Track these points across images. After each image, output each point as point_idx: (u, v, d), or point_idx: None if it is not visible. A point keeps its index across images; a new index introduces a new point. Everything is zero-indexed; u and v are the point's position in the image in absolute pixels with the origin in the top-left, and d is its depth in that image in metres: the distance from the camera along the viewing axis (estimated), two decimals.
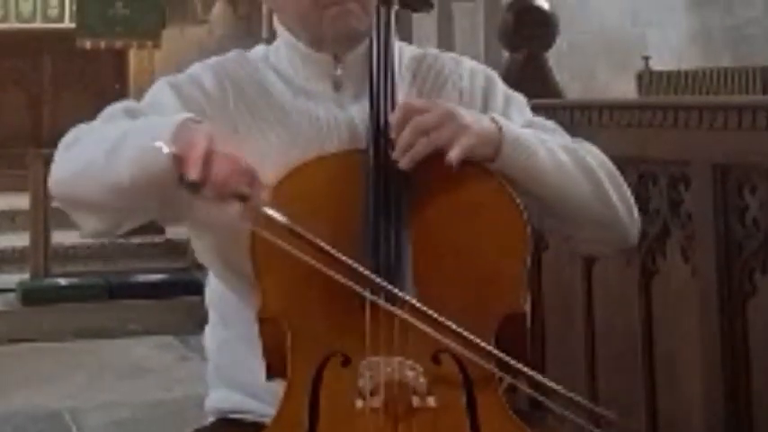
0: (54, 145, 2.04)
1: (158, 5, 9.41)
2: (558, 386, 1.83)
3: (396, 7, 2.14)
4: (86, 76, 10.17)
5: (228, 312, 2.12)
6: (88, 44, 9.08)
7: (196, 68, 2.15)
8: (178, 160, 1.75)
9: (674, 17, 9.63)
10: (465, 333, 1.80)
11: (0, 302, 7.33)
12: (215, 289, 2.16)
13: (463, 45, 9.32)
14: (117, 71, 10.09)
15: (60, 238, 7.60)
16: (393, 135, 1.94)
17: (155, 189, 1.83)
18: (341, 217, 1.90)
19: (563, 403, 1.84)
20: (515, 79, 4.29)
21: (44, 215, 7.42)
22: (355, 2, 2.05)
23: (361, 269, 1.81)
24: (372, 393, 1.77)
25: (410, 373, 1.79)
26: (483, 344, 1.81)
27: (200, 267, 2.19)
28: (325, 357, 1.83)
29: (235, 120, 2.06)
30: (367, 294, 1.81)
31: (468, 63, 2.22)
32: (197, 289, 6.98)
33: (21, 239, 7.79)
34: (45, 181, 7.18)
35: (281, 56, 2.16)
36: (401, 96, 2.04)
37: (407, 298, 1.81)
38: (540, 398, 1.83)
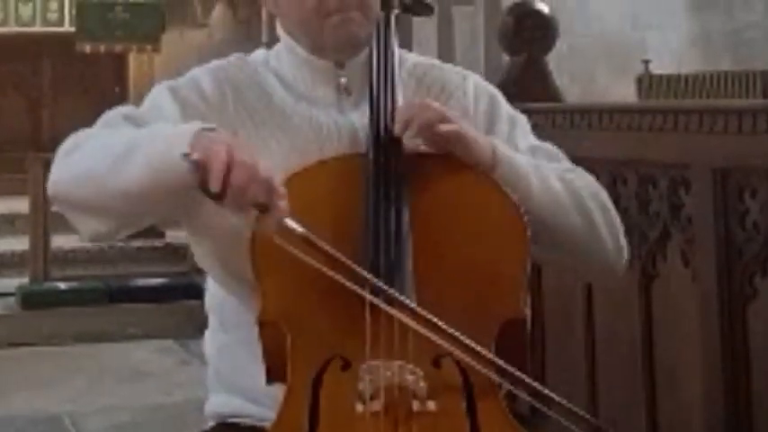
0: (54, 149, 2.04)
1: (158, 9, 9.42)
2: (559, 397, 1.82)
3: (396, 12, 2.14)
4: (86, 79, 10.18)
5: (228, 317, 2.12)
6: (88, 48, 9.09)
7: (196, 72, 2.14)
8: (201, 169, 1.75)
9: (674, 20, 9.62)
10: (465, 340, 1.79)
11: (0, 306, 7.32)
12: (215, 293, 2.16)
13: (463, 49, 9.33)
14: (117, 75, 10.10)
15: (60, 241, 7.61)
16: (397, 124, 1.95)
17: (167, 196, 1.84)
18: (341, 221, 1.90)
19: (562, 412, 1.83)
20: (515, 83, 4.30)
21: (44, 219, 7.42)
22: (357, 10, 2.05)
23: (366, 274, 1.80)
24: (373, 397, 1.77)
25: (410, 378, 1.79)
26: (483, 351, 1.81)
27: (200, 271, 2.19)
28: (325, 361, 1.83)
29: (234, 124, 2.06)
30: (374, 299, 1.80)
31: (473, 79, 2.22)
32: (197, 293, 6.97)
33: (20, 243, 7.79)
34: (45, 185, 7.17)
35: (282, 61, 2.15)
36: (402, 102, 2.04)
37: (408, 303, 1.81)
38: (539, 406, 1.83)
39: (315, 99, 2.11)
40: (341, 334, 1.84)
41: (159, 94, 2.09)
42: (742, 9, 9.40)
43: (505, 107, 2.20)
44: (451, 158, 1.95)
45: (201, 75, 2.13)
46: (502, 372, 1.82)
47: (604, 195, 2.11)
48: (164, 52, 9.35)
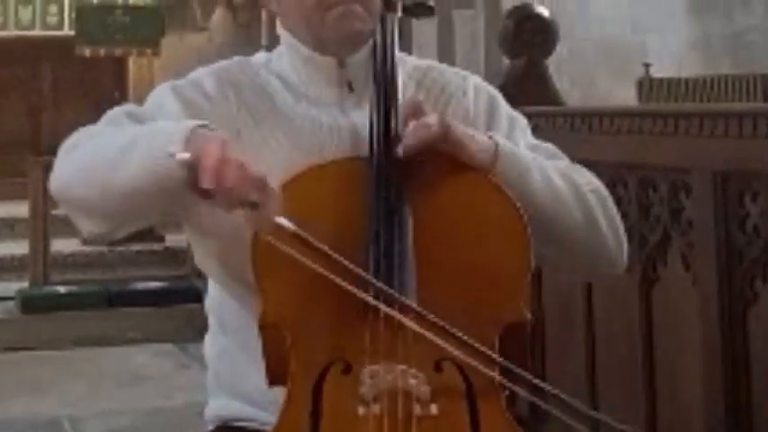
0: (54, 152, 2.04)
1: (158, 13, 9.41)
2: (561, 393, 1.82)
3: (399, 14, 2.14)
4: (86, 83, 10.17)
5: (229, 320, 2.12)
6: (87, 52, 9.07)
7: (198, 73, 2.15)
8: (191, 167, 1.74)
9: (674, 24, 9.63)
10: (467, 339, 1.79)
11: None
12: (215, 296, 2.16)
13: (463, 52, 9.33)
14: (116, 78, 10.09)
15: (59, 245, 7.61)
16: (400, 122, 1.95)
17: (162, 194, 1.83)
18: (342, 224, 1.89)
19: (564, 410, 1.83)
20: (515, 86, 4.30)
21: (43, 223, 7.42)
22: (359, 3, 2.05)
23: (367, 276, 1.80)
24: (374, 401, 1.76)
25: (412, 381, 1.78)
26: (484, 348, 1.80)
27: (200, 275, 2.19)
28: (326, 364, 1.82)
29: (237, 124, 2.06)
30: (375, 301, 1.80)
31: (473, 80, 2.22)
32: (196, 296, 6.98)
33: (20, 247, 7.79)
34: (44, 189, 7.24)
35: (283, 61, 2.15)
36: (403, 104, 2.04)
37: (412, 305, 1.80)
38: (542, 404, 1.82)
39: (316, 99, 2.11)
40: (342, 337, 1.83)
41: (162, 94, 2.09)
42: (742, 12, 9.40)
43: (505, 107, 2.21)
44: (452, 160, 1.95)
45: (204, 75, 2.13)
46: (510, 374, 1.81)
47: (605, 192, 2.11)
48: (163, 56, 9.34)
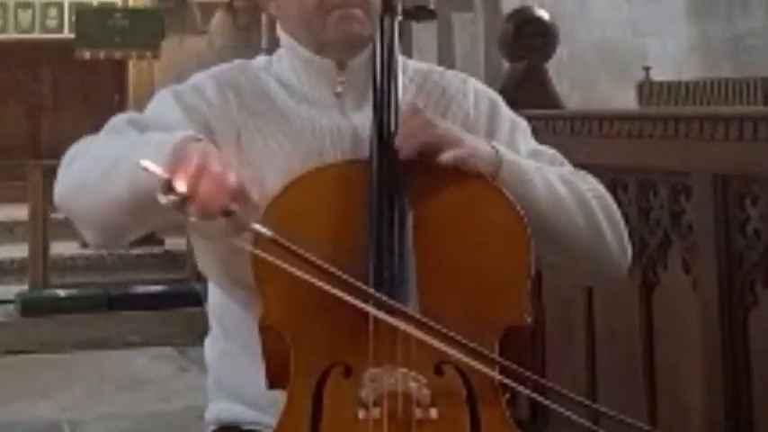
0: (53, 156, 2.04)
1: (157, 16, 9.42)
2: (564, 390, 1.82)
3: (399, 18, 2.13)
4: (86, 86, 10.18)
5: (229, 323, 2.11)
6: (87, 55, 9.07)
7: (198, 77, 2.15)
8: (168, 177, 1.72)
9: (674, 27, 9.63)
10: (467, 342, 1.79)
11: None
12: (216, 300, 2.16)
13: (463, 55, 9.32)
14: (116, 82, 10.10)
15: (59, 249, 7.60)
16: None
17: (152, 205, 1.82)
18: (342, 229, 1.89)
19: (569, 409, 1.83)
20: (515, 89, 4.30)
21: (43, 226, 7.41)
22: (359, 7, 2.06)
23: (357, 283, 1.79)
24: (375, 404, 1.76)
25: (413, 385, 1.78)
26: (485, 351, 1.80)
27: (200, 279, 2.19)
28: (326, 368, 1.82)
29: (238, 127, 2.06)
30: (369, 308, 1.79)
31: (474, 84, 2.22)
32: (196, 300, 6.98)
33: (20, 250, 7.79)
34: (44, 192, 7.24)
35: (283, 64, 2.15)
36: (404, 107, 2.04)
37: (409, 311, 1.80)
38: (545, 402, 1.82)
39: (316, 101, 2.11)
40: (342, 340, 1.83)
41: (163, 100, 2.09)
42: (742, 16, 9.41)
43: (506, 111, 2.20)
44: (453, 166, 1.94)
45: (204, 79, 2.13)
46: (518, 377, 1.80)
47: (608, 198, 2.10)
48: (163, 59, 9.34)
